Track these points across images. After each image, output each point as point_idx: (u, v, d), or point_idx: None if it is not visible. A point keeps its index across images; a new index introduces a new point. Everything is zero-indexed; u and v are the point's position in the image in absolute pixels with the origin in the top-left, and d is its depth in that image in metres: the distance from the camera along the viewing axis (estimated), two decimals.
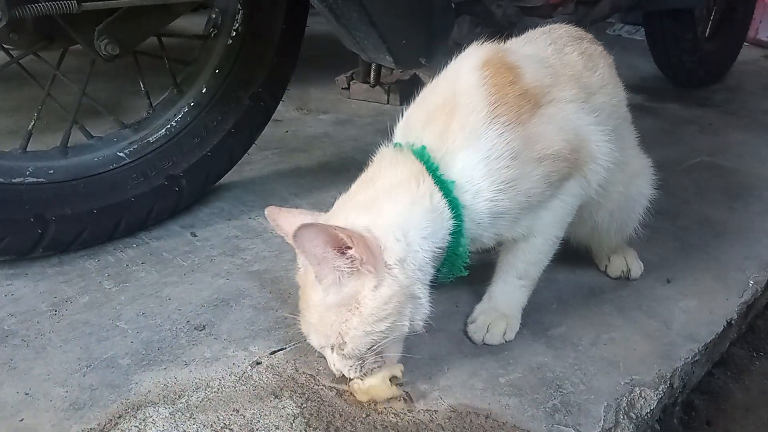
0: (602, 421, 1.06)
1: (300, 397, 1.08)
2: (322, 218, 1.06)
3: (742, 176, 2.09)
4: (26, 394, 1.07)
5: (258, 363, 1.16)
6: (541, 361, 1.20)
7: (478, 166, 1.03)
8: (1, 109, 2.43)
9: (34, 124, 1.45)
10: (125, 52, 1.41)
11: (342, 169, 2.01)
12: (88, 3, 1.22)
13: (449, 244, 1.05)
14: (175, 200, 1.59)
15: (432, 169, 1.03)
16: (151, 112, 1.59)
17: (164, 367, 1.14)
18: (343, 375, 1.06)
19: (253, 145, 1.78)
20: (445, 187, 1.03)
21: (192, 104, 1.60)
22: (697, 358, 1.26)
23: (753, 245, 1.65)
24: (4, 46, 1.41)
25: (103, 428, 1.00)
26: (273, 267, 1.47)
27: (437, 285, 1.09)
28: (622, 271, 1.48)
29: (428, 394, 1.10)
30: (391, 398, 1.07)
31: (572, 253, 1.50)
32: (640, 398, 1.13)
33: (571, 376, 1.16)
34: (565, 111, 1.13)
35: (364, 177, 1.10)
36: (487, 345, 1.23)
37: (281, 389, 1.10)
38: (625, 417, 1.09)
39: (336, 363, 1.05)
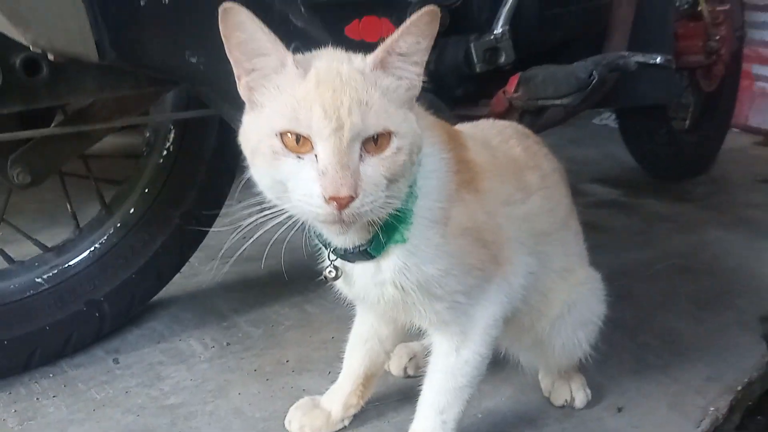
0: None
1: None
2: None
3: (715, 281, 1.96)
4: None
5: None
6: None
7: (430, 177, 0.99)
8: None
9: None
10: (39, 181, 1.37)
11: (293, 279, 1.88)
12: None
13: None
14: (97, 326, 1.52)
15: None
16: (77, 233, 1.55)
17: None
18: None
19: (188, 262, 1.72)
20: None
21: (119, 225, 1.55)
22: None
23: (717, 364, 1.52)
24: None
25: None
26: (190, 400, 1.38)
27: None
28: (566, 399, 1.36)
29: None
30: None
31: (518, 379, 1.40)
32: None
33: None
34: (496, 204, 1.08)
35: None
36: None
37: None
38: None
39: None
